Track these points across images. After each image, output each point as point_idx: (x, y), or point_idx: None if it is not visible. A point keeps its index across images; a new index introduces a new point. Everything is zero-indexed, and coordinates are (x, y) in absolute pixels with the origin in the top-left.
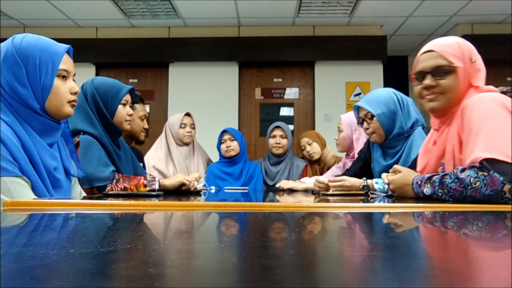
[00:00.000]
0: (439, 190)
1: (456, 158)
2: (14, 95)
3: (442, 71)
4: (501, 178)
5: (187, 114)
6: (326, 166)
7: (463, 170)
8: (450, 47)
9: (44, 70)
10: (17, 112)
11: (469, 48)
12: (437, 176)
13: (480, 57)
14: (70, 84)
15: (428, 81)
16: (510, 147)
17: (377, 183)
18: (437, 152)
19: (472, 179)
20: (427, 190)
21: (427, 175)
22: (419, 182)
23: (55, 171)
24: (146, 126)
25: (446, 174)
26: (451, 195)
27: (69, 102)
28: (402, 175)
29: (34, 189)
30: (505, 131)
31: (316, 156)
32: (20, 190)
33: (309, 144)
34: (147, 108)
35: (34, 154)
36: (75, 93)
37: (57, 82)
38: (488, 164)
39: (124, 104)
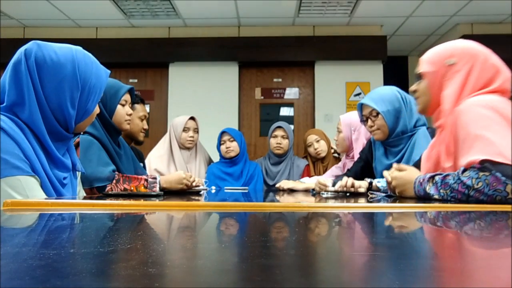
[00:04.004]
0: (442, 191)
1: (441, 167)
2: (59, 114)
3: (418, 77)
4: (503, 178)
5: (192, 118)
6: (331, 164)
7: (464, 171)
8: (428, 54)
9: (93, 96)
10: (50, 128)
11: (450, 51)
12: (439, 176)
13: (468, 60)
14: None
15: (411, 87)
16: (506, 149)
17: (379, 182)
18: (435, 159)
19: (474, 180)
20: (429, 188)
21: (429, 175)
22: (421, 181)
23: (64, 180)
24: (145, 126)
25: (448, 175)
26: (453, 195)
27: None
28: (407, 173)
29: (43, 188)
30: (497, 133)
31: (323, 154)
32: (33, 188)
33: (317, 142)
34: (147, 108)
35: (44, 160)
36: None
37: (96, 107)
38: (489, 165)
39: (123, 104)
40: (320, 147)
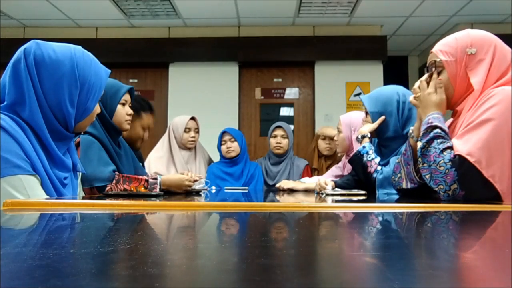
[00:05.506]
0: (422, 151)
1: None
2: (58, 112)
3: (434, 67)
4: (455, 176)
5: (192, 118)
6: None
7: (446, 149)
8: (443, 44)
9: (92, 94)
10: (50, 127)
11: (468, 40)
12: (434, 144)
13: (488, 49)
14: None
15: (423, 77)
16: (490, 154)
17: (365, 147)
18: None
19: (444, 161)
20: (419, 143)
21: (433, 133)
22: (423, 130)
23: (65, 180)
24: (146, 137)
25: (437, 148)
26: (424, 159)
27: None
28: (434, 102)
29: (43, 187)
30: (499, 135)
31: (329, 153)
32: (34, 188)
33: (332, 140)
34: None
35: (44, 159)
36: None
37: (96, 106)
38: (462, 161)
39: (124, 104)
40: (331, 146)
